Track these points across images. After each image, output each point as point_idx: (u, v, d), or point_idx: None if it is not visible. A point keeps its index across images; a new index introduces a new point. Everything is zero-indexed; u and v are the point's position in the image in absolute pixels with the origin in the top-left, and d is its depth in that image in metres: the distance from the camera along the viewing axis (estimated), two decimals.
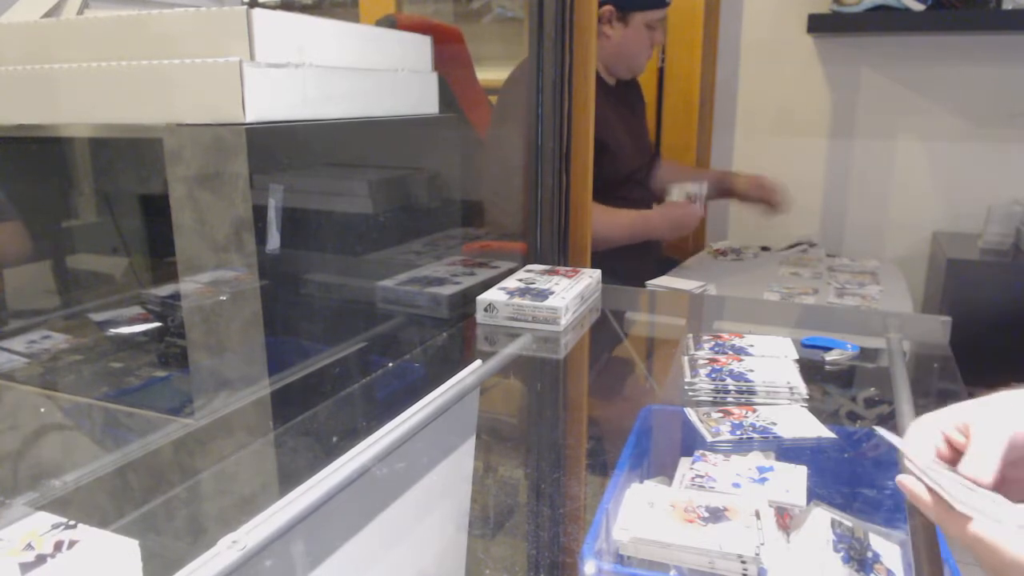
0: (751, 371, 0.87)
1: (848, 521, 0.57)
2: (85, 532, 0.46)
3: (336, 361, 0.92)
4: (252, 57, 0.72)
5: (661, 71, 2.24)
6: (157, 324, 0.95)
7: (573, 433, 0.84)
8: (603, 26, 1.68)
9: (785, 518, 0.58)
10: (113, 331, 0.96)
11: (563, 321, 1.03)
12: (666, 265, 1.90)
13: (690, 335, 1.00)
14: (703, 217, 1.86)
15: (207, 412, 0.77)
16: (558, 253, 1.31)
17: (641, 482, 0.66)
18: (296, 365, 0.87)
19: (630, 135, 1.82)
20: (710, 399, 0.83)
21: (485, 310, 1.05)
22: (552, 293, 1.06)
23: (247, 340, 0.77)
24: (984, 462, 0.48)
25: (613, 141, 1.68)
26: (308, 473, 0.56)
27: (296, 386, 0.84)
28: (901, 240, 2.22)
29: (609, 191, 1.63)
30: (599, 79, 1.61)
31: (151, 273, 0.99)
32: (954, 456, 0.51)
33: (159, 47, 0.74)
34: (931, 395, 0.88)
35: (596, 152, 1.30)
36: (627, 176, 1.80)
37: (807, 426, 0.75)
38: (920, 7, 1.93)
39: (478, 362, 0.84)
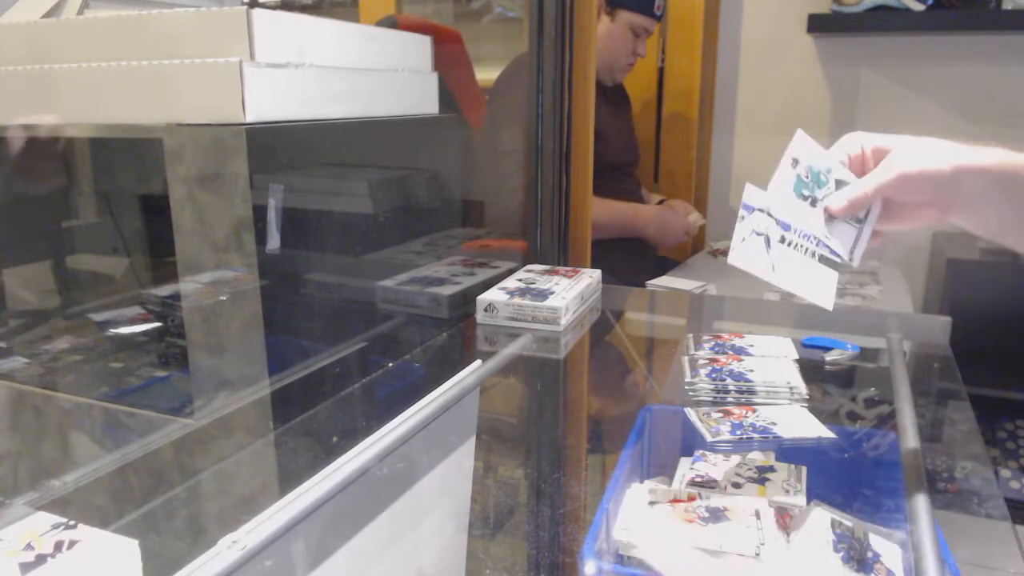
0: (751, 371, 0.87)
1: (848, 521, 0.57)
2: (85, 532, 0.46)
3: (336, 361, 0.92)
4: (252, 57, 0.72)
5: (661, 71, 2.24)
6: (157, 324, 0.95)
7: (573, 433, 0.84)
8: None
9: (785, 518, 0.58)
10: (113, 331, 0.96)
11: (563, 321, 1.03)
12: (666, 265, 1.91)
13: (690, 335, 1.00)
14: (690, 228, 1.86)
15: (207, 412, 0.76)
16: (558, 253, 1.31)
17: (641, 482, 0.66)
18: (296, 365, 0.87)
19: (619, 129, 1.83)
20: (710, 399, 0.83)
21: (485, 310, 1.05)
22: (552, 293, 1.06)
23: (247, 340, 0.77)
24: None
25: (602, 130, 1.69)
26: (308, 473, 0.56)
27: (296, 386, 0.84)
28: (901, 240, 2.22)
29: (599, 180, 1.65)
30: None
31: (151, 273, 0.99)
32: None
33: (159, 47, 0.74)
34: (931, 395, 0.88)
35: None
36: (617, 166, 1.81)
37: (807, 426, 0.75)
38: (920, 7, 1.92)
39: (478, 362, 0.83)
